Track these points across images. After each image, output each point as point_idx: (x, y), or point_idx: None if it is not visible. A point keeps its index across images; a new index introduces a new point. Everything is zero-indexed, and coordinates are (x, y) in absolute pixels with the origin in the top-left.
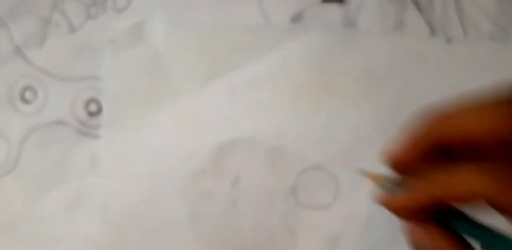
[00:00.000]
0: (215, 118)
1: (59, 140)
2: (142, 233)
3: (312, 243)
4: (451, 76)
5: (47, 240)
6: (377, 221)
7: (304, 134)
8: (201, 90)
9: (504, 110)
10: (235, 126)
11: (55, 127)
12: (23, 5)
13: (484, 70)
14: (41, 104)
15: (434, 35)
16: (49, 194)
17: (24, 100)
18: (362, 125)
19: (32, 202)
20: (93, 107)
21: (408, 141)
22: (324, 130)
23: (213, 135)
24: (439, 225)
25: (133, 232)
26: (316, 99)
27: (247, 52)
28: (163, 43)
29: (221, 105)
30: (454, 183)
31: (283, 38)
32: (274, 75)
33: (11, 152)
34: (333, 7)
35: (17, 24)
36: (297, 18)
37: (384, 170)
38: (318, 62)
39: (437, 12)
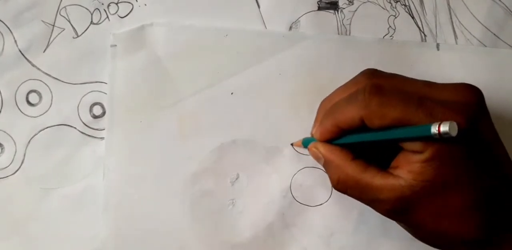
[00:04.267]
0: (215, 120)
1: (64, 141)
2: (144, 231)
3: (308, 239)
4: (440, 82)
5: (53, 240)
6: (368, 217)
7: (300, 136)
8: (202, 94)
9: (365, 103)
10: (235, 127)
11: (59, 128)
12: (27, 11)
13: (473, 76)
14: (46, 107)
15: (425, 41)
16: (54, 194)
17: (29, 103)
18: None
19: (37, 202)
20: (97, 110)
21: (323, 128)
22: None
23: (214, 136)
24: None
25: (136, 230)
26: (311, 103)
27: (246, 58)
28: (164, 48)
29: (221, 108)
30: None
31: (280, 44)
32: (271, 80)
33: (16, 153)
34: (328, 15)
35: (21, 29)
36: (293, 25)
37: None
38: (313, 67)
39: (429, 18)
